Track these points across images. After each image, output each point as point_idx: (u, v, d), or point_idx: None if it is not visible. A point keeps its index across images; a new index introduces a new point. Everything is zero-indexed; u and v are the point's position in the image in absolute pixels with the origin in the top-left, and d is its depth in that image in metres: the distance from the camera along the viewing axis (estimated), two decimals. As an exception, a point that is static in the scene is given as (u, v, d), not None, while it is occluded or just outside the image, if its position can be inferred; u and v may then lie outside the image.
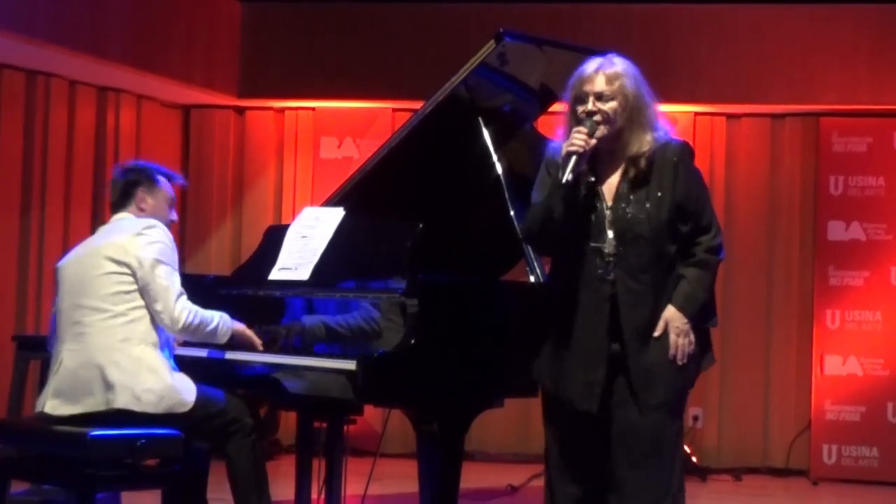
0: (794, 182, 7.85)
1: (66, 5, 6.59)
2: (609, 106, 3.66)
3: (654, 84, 3.82)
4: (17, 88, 7.09)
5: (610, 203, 3.69)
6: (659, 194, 3.65)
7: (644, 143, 3.67)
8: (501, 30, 4.52)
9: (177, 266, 4.28)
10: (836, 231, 7.61)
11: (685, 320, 3.64)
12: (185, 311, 4.18)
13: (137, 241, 4.20)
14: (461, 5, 7.79)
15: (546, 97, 5.11)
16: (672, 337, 3.63)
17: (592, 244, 3.66)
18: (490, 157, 4.74)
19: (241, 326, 4.37)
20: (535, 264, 4.59)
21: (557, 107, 5.97)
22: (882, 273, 7.54)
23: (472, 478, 6.25)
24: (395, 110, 7.99)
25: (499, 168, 4.73)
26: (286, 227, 4.72)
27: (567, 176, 3.59)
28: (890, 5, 7.49)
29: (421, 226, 4.30)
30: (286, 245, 4.59)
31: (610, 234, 3.65)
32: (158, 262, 4.19)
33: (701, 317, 3.69)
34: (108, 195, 4.51)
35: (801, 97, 7.62)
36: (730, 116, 7.84)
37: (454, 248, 4.80)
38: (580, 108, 3.68)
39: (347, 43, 7.90)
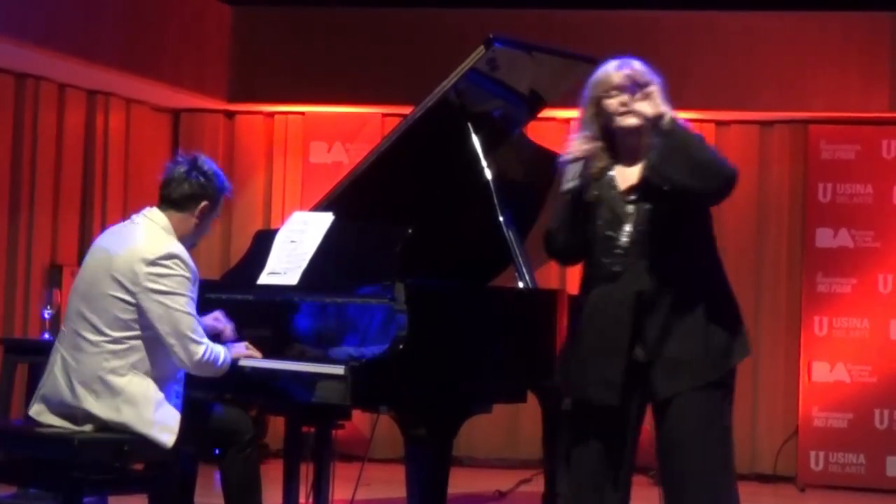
0: (782, 189, 7.86)
1: (56, 8, 6.59)
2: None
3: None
4: (6, 91, 7.08)
5: (629, 197, 3.66)
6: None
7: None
8: (491, 35, 4.53)
9: (195, 296, 4.05)
10: (824, 238, 7.63)
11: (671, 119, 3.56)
12: (200, 346, 3.98)
13: (151, 270, 3.97)
14: (452, 11, 7.80)
15: (536, 103, 5.12)
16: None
17: (612, 238, 3.63)
18: (479, 162, 4.74)
19: (239, 352, 4.26)
20: (524, 270, 4.60)
21: (547, 112, 6.02)
22: (870, 280, 7.56)
23: (461, 483, 6.25)
24: (384, 115, 8.00)
25: (488, 173, 4.74)
26: (275, 231, 4.72)
27: (570, 184, 3.62)
28: (879, 13, 7.51)
29: (410, 231, 4.31)
30: (275, 250, 4.59)
31: (628, 227, 3.63)
32: (172, 294, 3.97)
33: (685, 148, 3.55)
34: (160, 178, 4.15)
35: (790, 104, 7.64)
36: (719, 123, 7.84)
37: (443, 254, 4.80)
38: (614, 102, 3.63)
39: (337, 48, 7.90)
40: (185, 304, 4.00)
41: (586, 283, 3.73)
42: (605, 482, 3.68)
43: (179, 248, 4.07)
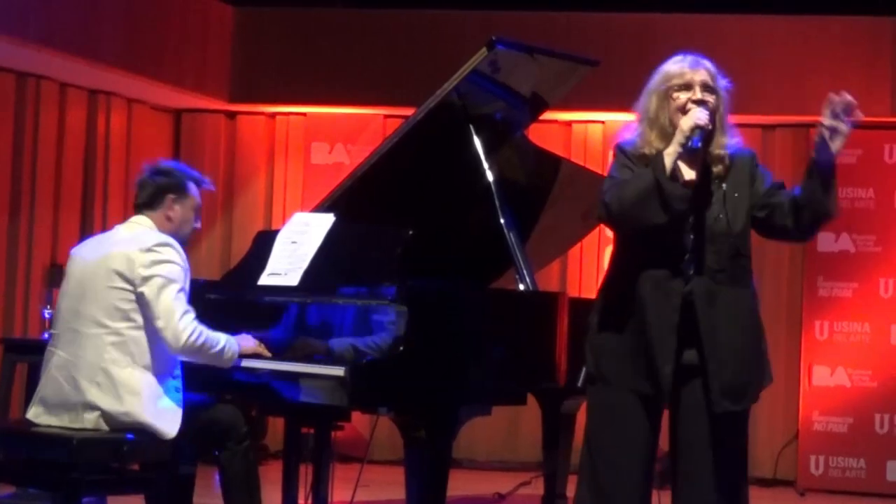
0: (784, 192, 7.85)
1: (58, 7, 6.58)
2: (713, 98, 3.62)
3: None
4: (7, 90, 7.07)
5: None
6: (736, 195, 3.63)
7: (722, 144, 3.65)
8: (493, 37, 4.52)
9: (187, 286, 4.15)
10: (826, 242, 7.62)
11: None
12: (187, 329, 4.05)
13: (146, 257, 4.09)
14: (454, 12, 7.80)
15: (537, 105, 5.12)
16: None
17: (671, 241, 3.58)
18: (481, 164, 4.74)
19: (249, 346, 4.29)
20: (525, 272, 4.59)
21: (549, 115, 6.01)
22: (871, 284, 7.55)
23: (460, 485, 6.25)
24: (386, 117, 8.00)
25: (489, 175, 4.74)
26: (276, 232, 4.72)
27: (696, 144, 3.50)
28: (881, 17, 7.51)
29: (411, 232, 4.30)
30: (276, 250, 4.58)
31: (689, 231, 3.59)
32: (166, 280, 4.07)
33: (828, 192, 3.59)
34: (133, 194, 4.37)
35: (792, 108, 7.63)
36: (720, 126, 7.83)
37: (444, 255, 4.80)
38: (686, 96, 3.59)
39: (339, 49, 7.90)
40: (175, 289, 4.10)
41: (630, 271, 3.63)
42: (635, 476, 3.65)
43: (171, 239, 4.20)
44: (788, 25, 7.64)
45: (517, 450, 7.81)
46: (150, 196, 4.28)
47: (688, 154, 3.54)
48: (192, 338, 4.06)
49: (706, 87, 3.62)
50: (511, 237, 4.64)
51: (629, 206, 3.52)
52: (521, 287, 4.57)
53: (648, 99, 3.65)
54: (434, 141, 4.76)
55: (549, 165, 5.21)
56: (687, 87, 3.61)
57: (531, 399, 4.75)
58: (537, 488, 5.66)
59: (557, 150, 6.19)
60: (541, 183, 5.16)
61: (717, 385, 3.57)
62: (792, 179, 8.40)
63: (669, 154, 3.52)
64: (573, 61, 4.95)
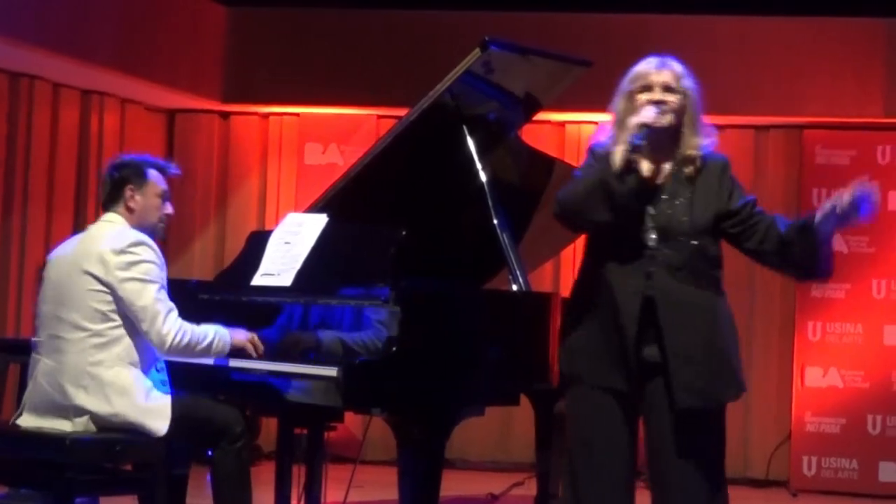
0: (777, 194, 7.86)
1: (51, 7, 6.58)
2: (675, 98, 3.64)
3: (638, 94, 3.83)
4: (0, 90, 7.06)
5: (654, 199, 3.65)
6: (704, 198, 3.66)
7: (695, 145, 3.68)
8: (487, 38, 4.53)
9: (165, 282, 4.14)
10: (819, 243, 7.62)
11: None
12: (172, 330, 4.05)
13: (121, 259, 4.07)
14: (447, 13, 7.80)
15: (531, 106, 5.12)
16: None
17: (633, 237, 3.61)
18: (474, 164, 4.74)
19: (241, 339, 4.27)
20: (518, 273, 4.59)
21: (542, 115, 6.02)
22: (863, 286, 7.56)
23: (453, 485, 6.24)
24: (379, 117, 8.00)
25: (483, 176, 4.74)
26: (269, 232, 4.72)
27: (636, 141, 3.53)
28: (875, 19, 7.53)
29: (404, 232, 4.30)
30: (269, 251, 4.58)
31: (651, 229, 3.62)
32: (144, 281, 4.06)
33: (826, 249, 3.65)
34: (98, 192, 4.39)
35: (786, 109, 7.65)
36: (714, 127, 7.83)
37: (437, 256, 4.80)
38: (646, 97, 3.63)
39: (333, 49, 7.90)
40: (155, 290, 4.08)
41: (596, 269, 3.67)
42: (614, 474, 3.67)
43: (144, 236, 4.17)
44: (783, 27, 7.65)
45: (510, 450, 7.81)
46: (110, 192, 4.27)
47: (634, 151, 3.57)
48: (178, 338, 4.06)
49: (667, 88, 3.65)
50: (504, 238, 4.64)
51: (578, 201, 3.59)
52: (515, 288, 4.58)
53: (618, 100, 3.70)
54: (427, 141, 4.76)
55: (542, 166, 5.21)
56: (648, 88, 3.65)
57: (524, 399, 4.75)
58: (530, 489, 5.66)
59: (551, 151, 6.19)
60: (534, 183, 5.17)
61: (677, 382, 3.59)
62: (785, 181, 8.44)
63: (617, 152, 3.57)
64: (567, 62, 4.96)
